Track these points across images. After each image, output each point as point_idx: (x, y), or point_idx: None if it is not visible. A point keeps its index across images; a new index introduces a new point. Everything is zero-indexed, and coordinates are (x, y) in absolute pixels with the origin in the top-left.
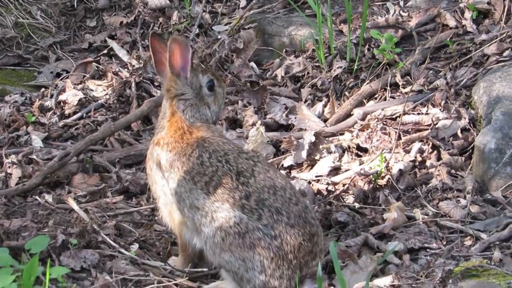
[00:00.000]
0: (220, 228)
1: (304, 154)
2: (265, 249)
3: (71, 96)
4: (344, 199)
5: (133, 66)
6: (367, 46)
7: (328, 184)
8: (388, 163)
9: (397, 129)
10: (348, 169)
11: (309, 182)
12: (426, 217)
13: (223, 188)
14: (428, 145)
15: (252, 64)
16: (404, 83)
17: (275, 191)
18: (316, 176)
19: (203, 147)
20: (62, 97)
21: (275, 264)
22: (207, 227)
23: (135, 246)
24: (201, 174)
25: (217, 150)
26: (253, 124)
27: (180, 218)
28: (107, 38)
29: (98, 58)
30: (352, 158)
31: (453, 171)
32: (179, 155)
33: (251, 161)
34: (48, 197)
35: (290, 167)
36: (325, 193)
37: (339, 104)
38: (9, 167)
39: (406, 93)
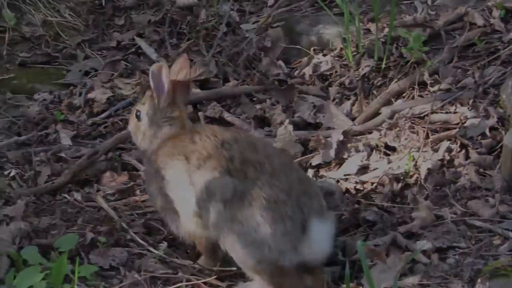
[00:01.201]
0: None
1: (332, 153)
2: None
3: (100, 94)
4: (373, 198)
5: None
6: (395, 45)
7: (356, 183)
8: (416, 162)
9: (425, 128)
10: (376, 168)
11: (338, 181)
12: (454, 216)
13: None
14: (456, 144)
15: (280, 62)
16: (432, 81)
17: (255, 148)
18: (345, 175)
19: (196, 132)
20: (90, 95)
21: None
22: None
23: (164, 245)
24: (193, 152)
25: (208, 134)
26: (281, 123)
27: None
28: (135, 37)
29: (126, 56)
30: (380, 157)
31: (481, 170)
32: (175, 146)
33: (237, 133)
34: (77, 195)
35: (318, 166)
36: (353, 192)
37: (367, 102)
38: (38, 165)
39: (434, 91)
